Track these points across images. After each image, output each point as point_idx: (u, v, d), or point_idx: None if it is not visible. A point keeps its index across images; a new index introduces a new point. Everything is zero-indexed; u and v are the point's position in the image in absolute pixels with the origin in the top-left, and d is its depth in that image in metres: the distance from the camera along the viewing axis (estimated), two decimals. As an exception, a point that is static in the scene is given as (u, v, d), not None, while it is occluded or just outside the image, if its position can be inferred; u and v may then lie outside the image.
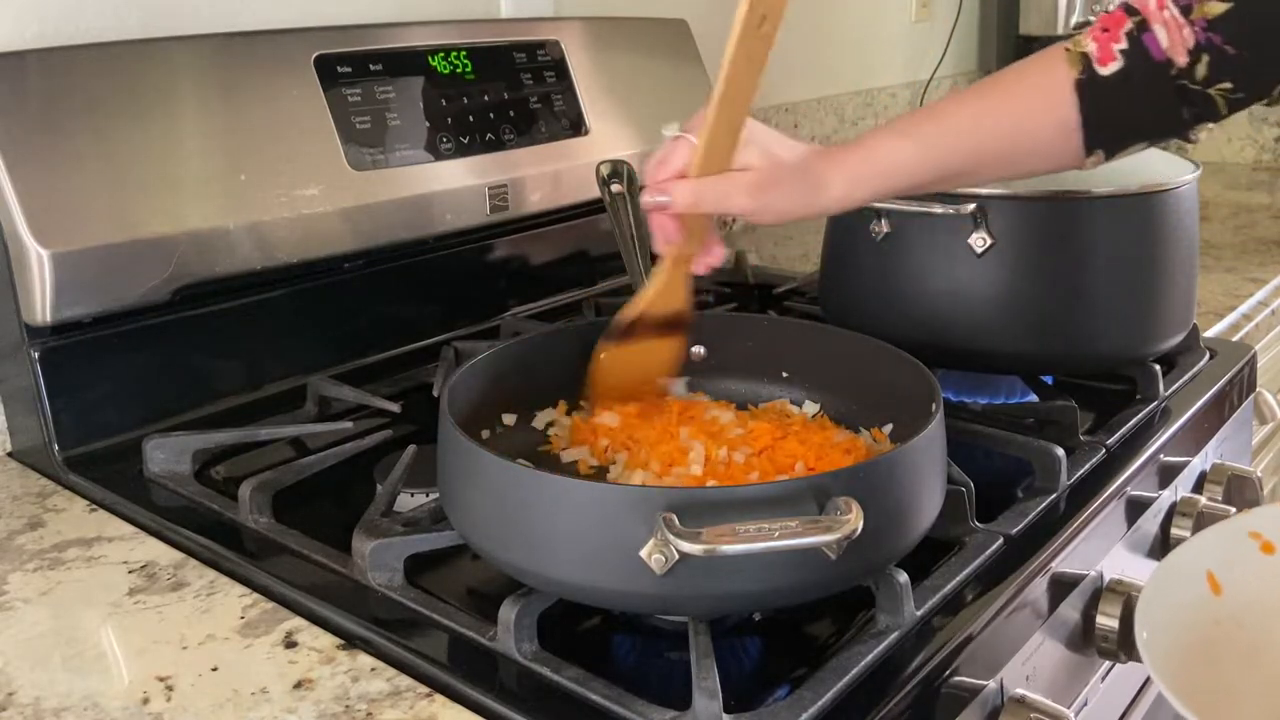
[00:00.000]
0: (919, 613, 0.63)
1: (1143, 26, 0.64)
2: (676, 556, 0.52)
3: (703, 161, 0.65)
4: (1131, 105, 0.65)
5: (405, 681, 0.59)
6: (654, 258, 0.73)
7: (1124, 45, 0.64)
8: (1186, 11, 0.63)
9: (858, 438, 0.74)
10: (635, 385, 0.77)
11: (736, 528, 0.51)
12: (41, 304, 0.81)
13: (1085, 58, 0.65)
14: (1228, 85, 0.63)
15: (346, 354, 1.02)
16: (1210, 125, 0.66)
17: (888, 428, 0.74)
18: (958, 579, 0.66)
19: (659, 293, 0.73)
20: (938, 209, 0.87)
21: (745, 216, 0.68)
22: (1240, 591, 0.62)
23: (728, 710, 0.54)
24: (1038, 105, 0.67)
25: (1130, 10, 0.65)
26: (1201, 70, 0.63)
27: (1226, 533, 0.65)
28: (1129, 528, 0.83)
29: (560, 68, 1.17)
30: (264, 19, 1.02)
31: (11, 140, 0.80)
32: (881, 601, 0.62)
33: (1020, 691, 0.66)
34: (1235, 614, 0.61)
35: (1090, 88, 0.65)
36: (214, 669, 0.60)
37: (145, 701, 0.58)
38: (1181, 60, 0.63)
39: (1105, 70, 0.65)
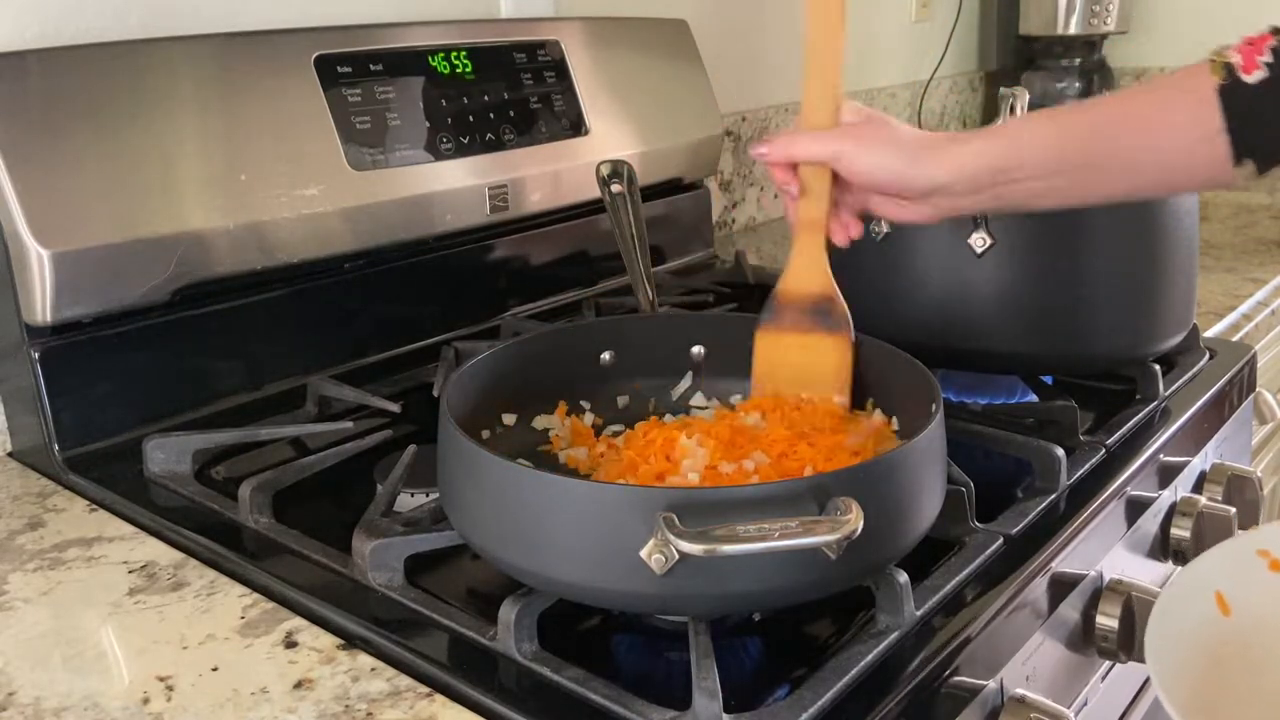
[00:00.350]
0: (919, 613, 0.63)
1: None
2: (676, 556, 0.52)
3: (805, 116, 0.70)
4: (1278, 115, 0.63)
5: (405, 681, 0.59)
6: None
7: (1269, 58, 0.62)
8: None
9: (864, 422, 0.74)
10: (799, 389, 0.75)
11: (736, 528, 0.51)
12: (41, 304, 0.81)
13: (1229, 67, 0.63)
14: None
15: (346, 354, 1.02)
16: None
17: (894, 425, 0.74)
18: (958, 579, 0.66)
19: (797, 268, 0.73)
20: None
21: (838, 167, 0.68)
22: (1249, 611, 0.62)
23: (728, 710, 0.54)
24: (1179, 104, 0.64)
25: (1276, 30, 0.63)
26: None
27: (1234, 551, 0.64)
28: (1129, 528, 0.83)
29: (560, 68, 1.17)
30: (264, 19, 1.02)
31: (11, 140, 0.80)
32: (881, 601, 0.62)
33: (1020, 691, 0.66)
34: (1244, 634, 0.61)
35: (1235, 93, 0.63)
36: (214, 669, 0.60)
37: (145, 701, 0.58)
38: None
39: (1250, 78, 0.62)
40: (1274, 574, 0.63)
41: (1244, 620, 0.61)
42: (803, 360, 0.75)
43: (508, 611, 0.59)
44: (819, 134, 0.70)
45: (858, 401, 0.77)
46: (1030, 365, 0.92)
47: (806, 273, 0.74)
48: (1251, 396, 1.07)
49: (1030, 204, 0.69)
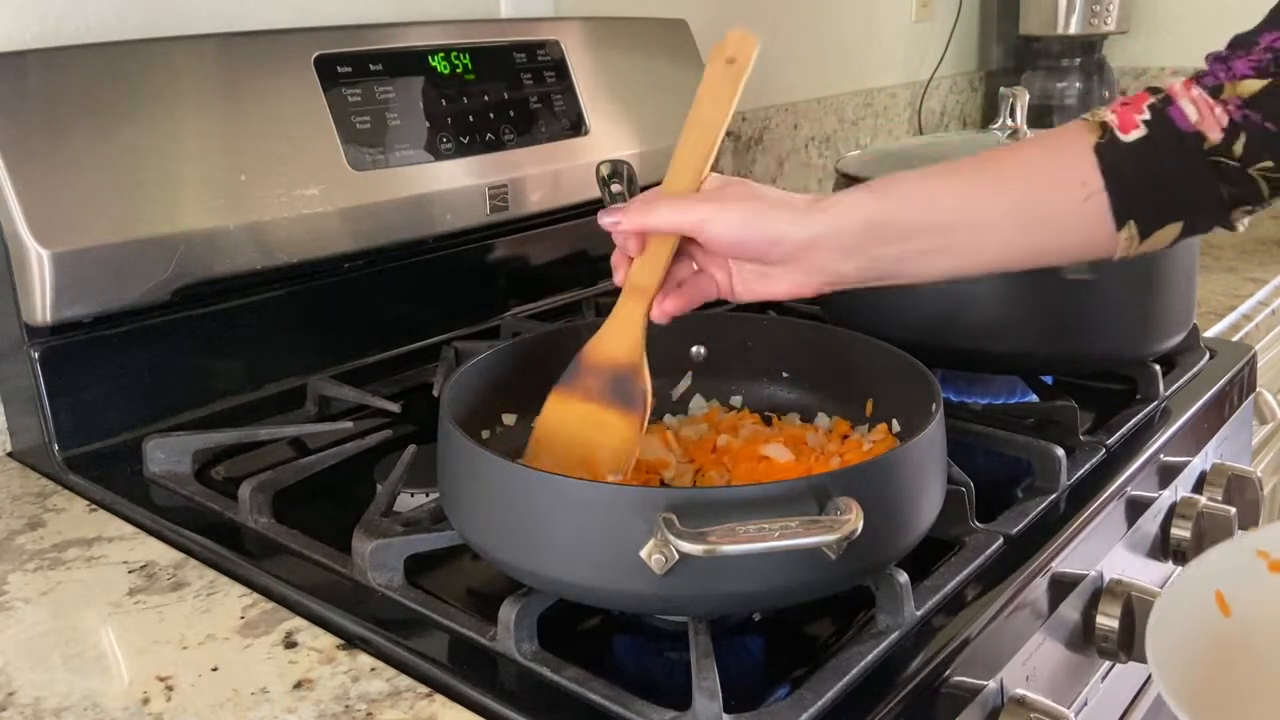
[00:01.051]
0: (919, 613, 0.63)
1: (1167, 101, 0.60)
2: (676, 556, 0.52)
3: (670, 182, 0.66)
4: (1160, 173, 0.60)
5: (405, 681, 0.59)
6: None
7: (1146, 116, 0.60)
8: (1216, 92, 0.59)
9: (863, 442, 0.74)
10: (573, 463, 0.67)
11: (736, 528, 0.51)
12: (41, 304, 0.81)
13: (1105, 125, 0.60)
14: (1269, 164, 0.58)
15: (346, 354, 1.02)
16: (1250, 209, 0.61)
17: (894, 427, 0.74)
18: (958, 579, 0.66)
19: (611, 331, 0.68)
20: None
21: (700, 235, 0.63)
22: (1249, 611, 0.62)
23: (728, 710, 0.54)
24: (1056, 161, 0.61)
25: (1153, 90, 0.61)
26: (1238, 147, 0.58)
27: (1233, 552, 0.64)
28: (1129, 528, 0.83)
29: (560, 68, 1.17)
30: (264, 19, 1.02)
31: (12, 140, 0.80)
32: (881, 601, 0.62)
33: (1020, 691, 0.66)
34: (1245, 634, 0.61)
35: (1111, 152, 0.60)
36: (214, 669, 0.60)
37: (145, 701, 0.58)
38: (1215, 135, 0.58)
39: (1127, 137, 0.59)
40: (1274, 575, 0.63)
41: (1244, 621, 0.61)
42: (585, 434, 0.68)
43: (508, 611, 0.59)
44: (680, 200, 0.64)
45: (858, 402, 0.77)
46: (1030, 365, 0.92)
47: (619, 338, 0.68)
48: (1252, 396, 1.07)
49: (906, 270, 0.64)
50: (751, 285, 0.66)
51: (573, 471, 0.64)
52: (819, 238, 0.62)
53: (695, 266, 0.68)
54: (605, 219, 0.66)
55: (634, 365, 0.68)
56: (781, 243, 0.62)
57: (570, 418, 0.69)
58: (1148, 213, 0.61)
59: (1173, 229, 0.61)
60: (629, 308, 0.68)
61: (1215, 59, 0.60)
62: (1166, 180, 0.60)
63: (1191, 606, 0.61)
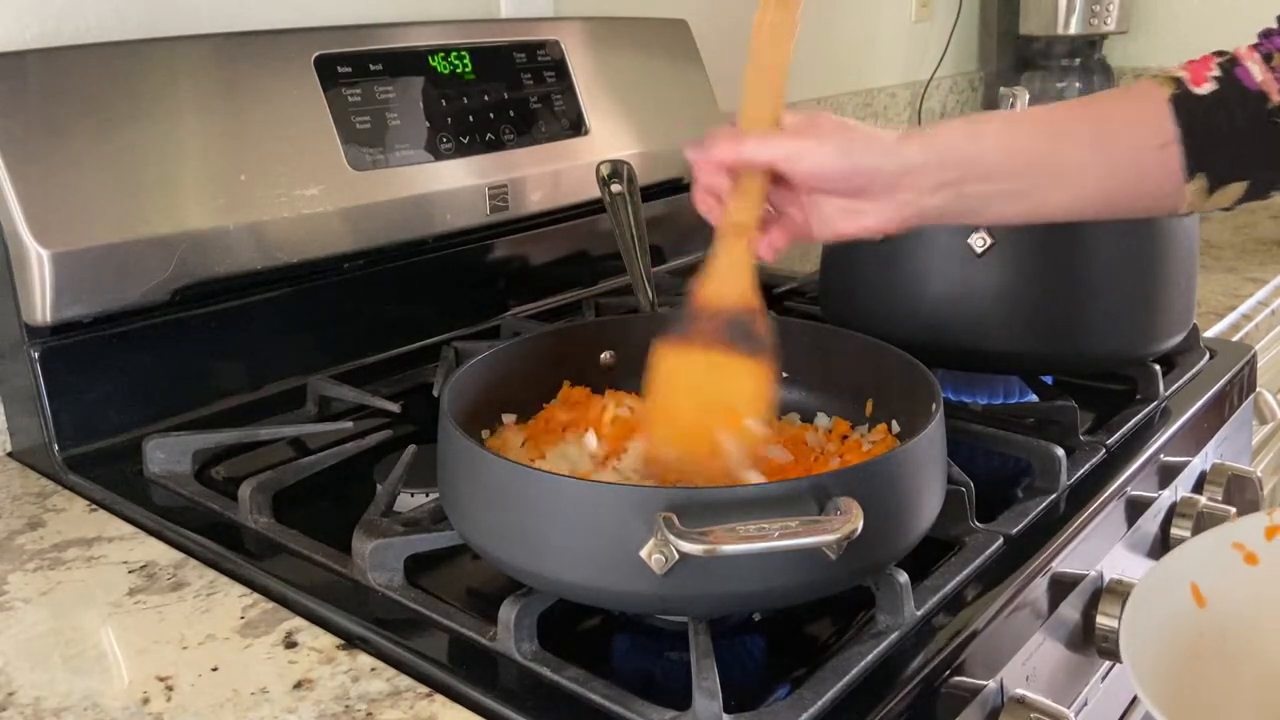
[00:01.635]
0: (919, 613, 0.63)
1: (1234, 62, 0.62)
2: (676, 556, 0.52)
3: (744, 123, 0.64)
4: (1230, 128, 0.61)
5: (405, 681, 0.59)
6: (710, 240, 0.65)
7: (1216, 73, 0.62)
8: (1269, 59, 0.61)
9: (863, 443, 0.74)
10: (702, 413, 0.64)
11: (737, 528, 0.51)
12: (41, 304, 0.81)
13: (1178, 80, 0.62)
14: None
15: (346, 354, 1.02)
16: None
17: (894, 427, 0.74)
18: (958, 579, 0.66)
19: (720, 271, 0.64)
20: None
21: (793, 167, 0.62)
22: (1224, 603, 0.62)
23: (728, 710, 0.54)
24: (1137, 107, 0.63)
25: (1219, 53, 0.63)
26: None
27: (1209, 544, 0.65)
28: (1129, 528, 0.83)
29: (560, 68, 1.17)
30: (264, 19, 1.02)
31: (12, 140, 0.80)
32: (881, 601, 0.62)
33: (1020, 691, 0.66)
34: (1220, 625, 0.61)
35: (1186, 102, 0.61)
36: (214, 669, 0.60)
37: (145, 701, 0.58)
38: (1276, 98, 0.61)
39: (1200, 90, 0.62)
40: (1249, 566, 0.64)
41: (1219, 612, 0.61)
42: (713, 384, 0.65)
43: (508, 611, 0.59)
44: (769, 133, 0.63)
45: (858, 402, 0.77)
46: (1030, 365, 0.92)
47: (731, 281, 0.64)
48: (1251, 396, 1.07)
49: (987, 210, 0.64)
50: (834, 223, 0.64)
51: (708, 426, 0.63)
52: (912, 169, 0.62)
53: (770, 208, 0.66)
54: (693, 152, 0.64)
55: (751, 307, 0.65)
56: (877, 173, 0.62)
57: (692, 369, 0.65)
58: (1218, 166, 0.62)
59: (1237, 188, 0.63)
60: (734, 248, 0.65)
61: (1264, 35, 0.62)
62: (1236, 135, 0.62)
63: (1167, 598, 0.61)
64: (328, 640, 0.63)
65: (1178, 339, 0.95)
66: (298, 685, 0.59)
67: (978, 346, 0.89)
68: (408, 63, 1.04)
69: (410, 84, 1.03)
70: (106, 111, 0.84)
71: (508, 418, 0.77)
